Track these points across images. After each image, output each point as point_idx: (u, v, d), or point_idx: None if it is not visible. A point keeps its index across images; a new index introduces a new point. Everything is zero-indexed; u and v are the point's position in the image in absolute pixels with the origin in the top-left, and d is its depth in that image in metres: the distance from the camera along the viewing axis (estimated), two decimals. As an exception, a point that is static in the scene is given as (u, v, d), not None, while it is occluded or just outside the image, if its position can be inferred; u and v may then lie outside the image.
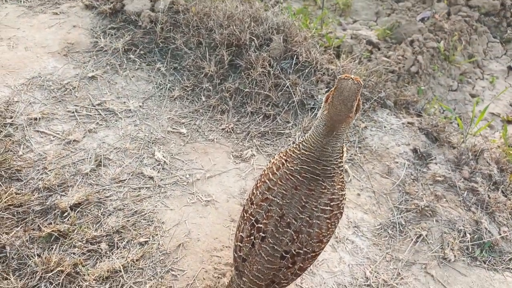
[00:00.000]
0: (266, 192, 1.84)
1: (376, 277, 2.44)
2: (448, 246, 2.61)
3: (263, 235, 1.80)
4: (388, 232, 2.69)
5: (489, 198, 2.93)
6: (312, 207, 1.79)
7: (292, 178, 1.82)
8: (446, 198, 2.88)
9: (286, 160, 1.87)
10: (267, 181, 1.87)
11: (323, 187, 1.81)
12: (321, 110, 1.79)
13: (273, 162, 1.94)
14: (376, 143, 3.17)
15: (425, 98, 4.62)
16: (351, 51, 4.77)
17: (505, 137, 4.05)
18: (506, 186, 3.12)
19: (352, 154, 3.08)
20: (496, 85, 5.58)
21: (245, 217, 1.88)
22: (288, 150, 1.91)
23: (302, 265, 1.85)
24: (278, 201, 1.80)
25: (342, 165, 1.88)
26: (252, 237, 1.82)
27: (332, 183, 1.83)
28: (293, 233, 1.78)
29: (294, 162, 1.83)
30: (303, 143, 1.84)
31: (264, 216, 1.80)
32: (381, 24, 6.14)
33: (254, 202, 1.86)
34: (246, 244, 1.83)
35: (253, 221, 1.83)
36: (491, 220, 2.84)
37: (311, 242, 1.80)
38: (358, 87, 1.69)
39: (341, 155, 1.86)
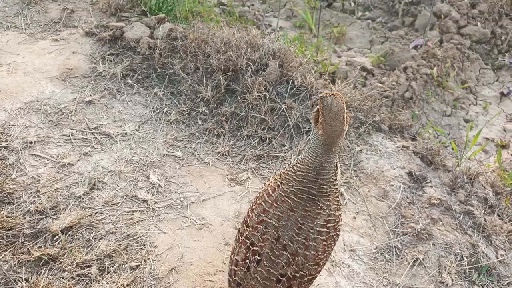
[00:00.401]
0: (261, 214, 1.82)
1: (373, 302, 2.39)
2: (445, 270, 2.57)
3: (259, 258, 1.77)
4: (385, 256, 2.65)
5: (485, 221, 2.91)
6: (308, 228, 1.77)
7: (288, 199, 1.81)
8: (442, 221, 2.86)
9: (281, 182, 1.87)
10: (262, 203, 1.86)
11: (319, 207, 1.80)
12: (313, 131, 1.80)
13: (268, 184, 1.93)
14: (371, 166, 3.17)
15: (419, 123, 4.66)
16: (346, 77, 4.84)
17: (500, 161, 4.06)
18: (502, 210, 3.10)
19: (347, 177, 3.08)
20: (489, 110, 5.64)
21: (240, 240, 1.86)
22: (282, 173, 1.91)
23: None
24: (274, 223, 1.78)
25: (337, 183, 1.88)
26: (247, 261, 1.79)
27: (328, 203, 1.82)
28: (289, 255, 1.75)
29: (290, 184, 1.83)
30: (298, 164, 1.85)
31: (260, 238, 1.78)
32: (375, 52, 6.27)
33: (249, 225, 1.84)
34: (241, 267, 1.80)
35: (248, 244, 1.80)
36: (487, 243, 2.81)
37: (307, 265, 1.77)
38: (342, 100, 1.73)
39: (336, 171, 1.87)
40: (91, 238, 2.42)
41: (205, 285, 2.30)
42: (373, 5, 7.53)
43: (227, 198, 2.82)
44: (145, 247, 2.42)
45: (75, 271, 2.21)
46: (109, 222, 2.53)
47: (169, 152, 3.09)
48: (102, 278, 2.21)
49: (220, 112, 3.34)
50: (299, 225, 1.77)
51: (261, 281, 1.76)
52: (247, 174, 2.97)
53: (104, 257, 2.32)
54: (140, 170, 2.91)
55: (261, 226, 1.80)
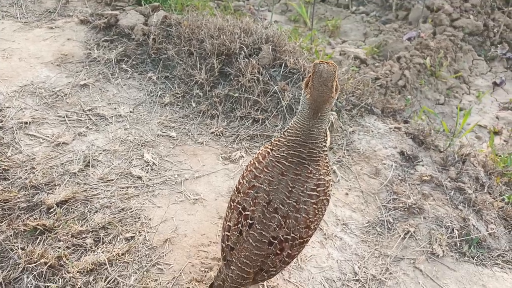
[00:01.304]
0: (252, 180, 1.86)
1: (364, 272, 2.42)
2: (436, 242, 2.61)
3: (251, 222, 1.81)
4: (376, 230, 2.69)
5: (476, 197, 2.95)
6: (299, 192, 1.81)
7: (279, 164, 1.85)
8: (433, 197, 2.90)
9: (271, 149, 1.91)
10: (253, 169, 1.90)
11: (309, 171, 1.83)
12: (303, 95, 1.84)
13: (259, 152, 1.97)
14: (363, 146, 3.21)
15: (412, 109, 4.71)
16: (340, 65, 4.90)
17: (492, 145, 4.12)
18: (493, 188, 3.14)
19: (340, 156, 3.11)
20: (482, 99, 5.71)
21: (232, 207, 1.89)
22: (273, 141, 1.95)
23: (290, 251, 1.84)
24: (265, 187, 1.82)
25: (327, 149, 1.92)
26: (239, 225, 1.83)
27: (318, 167, 1.86)
28: (280, 218, 1.79)
29: (280, 149, 1.87)
30: (288, 130, 1.89)
31: (251, 203, 1.82)
32: (369, 44, 6.33)
33: (240, 191, 1.88)
34: (234, 232, 1.84)
35: (240, 209, 1.84)
36: (478, 218, 2.85)
37: (298, 227, 1.81)
38: (334, 68, 1.77)
39: (325, 138, 1.91)
40: (86, 211, 2.44)
41: (199, 255, 2.32)
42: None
43: (221, 175, 2.85)
44: (140, 220, 2.45)
45: (70, 241, 2.23)
46: (104, 197, 2.56)
47: (163, 132, 3.12)
48: (97, 248, 2.23)
49: (214, 94, 3.38)
50: (290, 189, 1.82)
51: (254, 243, 1.80)
52: (240, 152, 3.00)
53: (99, 228, 2.34)
54: (134, 149, 2.94)
55: (252, 191, 1.84)
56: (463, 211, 2.83)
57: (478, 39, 6.62)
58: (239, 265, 1.83)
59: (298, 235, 1.82)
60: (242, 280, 1.84)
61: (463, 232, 2.69)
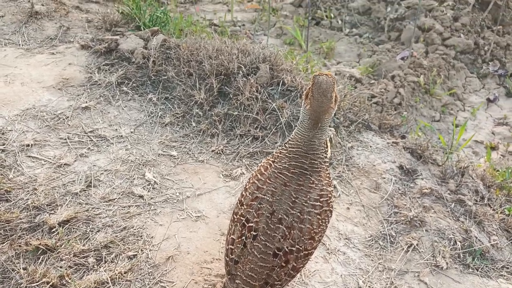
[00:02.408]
0: (255, 191, 1.86)
1: (369, 286, 2.40)
2: (439, 254, 2.60)
3: (255, 233, 1.80)
4: (379, 243, 2.68)
5: (477, 209, 2.96)
6: (302, 202, 1.82)
7: (281, 175, 1.86)
8: (434, 209, 2.91)
9: (273, 161, 1.94)
10: (256, 181, 1.91)
11: (311, 182, 1.85)
12: (303, 106, 1.89)
13: (261, 165, 2.00)
14: (363, 161, 3.24)
15: (409, 125, 4.77)
16: (336, 83, 4.98)
17: (490, 159, 4.16)
18: (493, 201, 3.16)
19: (340, 171, 3.14)
20: (477, 115, 5.79)
21: (235, 219, 1.89)
22: (274, 153, 1.98)
23: (295, 264, 1.83)
24: (268, 198, 1.83)
25: (327, 160, 1.95)
26: (243, 237, 1.82)
27: (320, 178, 1.88)
28: (285, 229, 1.79)
29: (282, 161, 1.89)
30: (289, 141, 1.92)
31: (255, 214, 1.82)
32: (363, 64, 6.46)
33: (244, 203, 1.88)
34: (238, 245, 1.83)
35: (243, 221, 1.84)
36: (480, 229, 2.85)
37: (303, 238, 1.81)
38: (333, 80, 1.82)
39: (326, 149, 1.94)
40: (88, 230, 2.43)
41: (202, 272, 2.31)
42: (360, 22, 7.81)
43: (222, 192, 2.86)
44: (142, 238, 2.44)
45: (73, 261, 2.22)
46: (106, 216, 2.56)
47: (164, 152, 3.15)
48: (100, 267, 2.22)
49: (213, 113, 3.42)
50: (293, 199, 1.82)
51: (258, 255, 1.79)
52: (241, 170, 3.02)
53: (101, 247, 2.33)
54: (136, 169, 2.96)
55: (255, 203, 1.84)
56: (464, 223, 2.84)
57: (470, 57, 6.77)
58: (244, 278, 1.82)
59: (303, 246, 1.82)
60: None
61: (466, 244, 2.69)
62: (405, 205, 2.92)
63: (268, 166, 1.94)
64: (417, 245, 2.66)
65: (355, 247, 2.64)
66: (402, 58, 6.40)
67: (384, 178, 3.12)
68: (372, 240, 2.69)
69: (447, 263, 2.56)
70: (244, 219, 1.84)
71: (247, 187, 1.94)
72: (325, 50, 6.96)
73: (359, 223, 2.80)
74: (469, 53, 6.79)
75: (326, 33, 7.53)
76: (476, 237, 2.74)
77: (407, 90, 5.54)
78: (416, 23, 6.47)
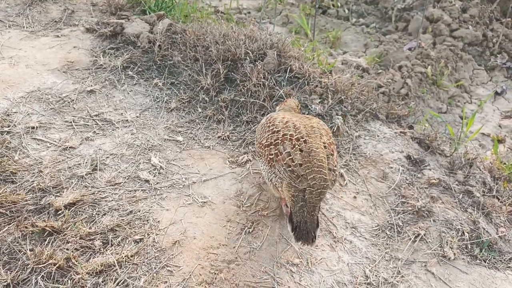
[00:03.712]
0: (283, 119, 2.42)
1: (376, 275, 2.39)
2: (447, 244, 2.58)
3: (303, 139, 2.28)
4: (386, 233, 2.66)
5: (485, 201, 2.94)
6: (312, 120, 2.48)
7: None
8: (442, 200, 2.89)
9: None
10: (276, 116, 2.49)
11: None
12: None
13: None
14: (370, 150, 3.21)
15: (416, 116, 4.73)
16: (342, 73, 4.93)
17: (497, 152, 4.11)
18: (501, 193, 3.13)
19: (347, 160, 3.11)
20: (484, 108, 5.74)
21: (279, 141, 2.30)
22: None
23: (337, 153, 2.42)
24: (294, 119, 2.41)
25: None
26: (297, 146, 2.25)
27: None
28: (317, 129, 2.37)
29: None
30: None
31: (294, 129, 2.32)
32: (370, 54, 6.39)
33: (279, 128, 2.36)
34: (295, 152, 2.24)
35: (288, 136, 2.29)
36: (488, 221, 2.83)
37: (326, 135, 2.38)
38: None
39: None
40: (94, 214, 2.42)
41: (209, 258, 2.29)
42: (367, 11, 7.71)
43: (228, 178, 2.83)
44: (148, 222, 2.42)
45: (79, 243, 2.20)
46: (112, 200, 2.54)
47: (170, 137, 3.12)
48: (106, 250, 2.20)
49: (220, 99, 3.39)
50: (306, 118, 2.49)
51: (316, 150, 2.25)
52: (247, 156, 2.99)
53: (107, 231, 2.31)
54: (141, 153, 2.93)
55: (290, 123, 2.37)
56: (472, 214, 2.81)
57: (478, 49, 6.69)
58: (316, 169, 2.19)
59: (331, 140, 2.40)
60: (321, 178, 2.18)
61: (473, 235, 2.67)
62: (412, 195, 2.90)
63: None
64: (424, 235, 2.64)
65: (362, 236, 2.62)
66: (410, 49, 6.32)
67: (392, 167, 3.10)
68: (379, 230, 2.67)
69: (454, 254, 2.54)
70: (288, 135, 2.30)
71: (269, 123, 2.45)
72: (331, 40, 6.88)
73: (366, 212, 2.78)
74: (477, 45, 6.71)
75: (332, 22, 7.43)
76: (484, 229, 2.72)
77: (414, 81, 5.48)
78: (424, 13, 6.38)
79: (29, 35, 4.13)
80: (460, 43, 6.49)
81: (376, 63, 6.06)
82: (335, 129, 3.24)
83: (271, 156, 2.31)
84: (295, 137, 2.27)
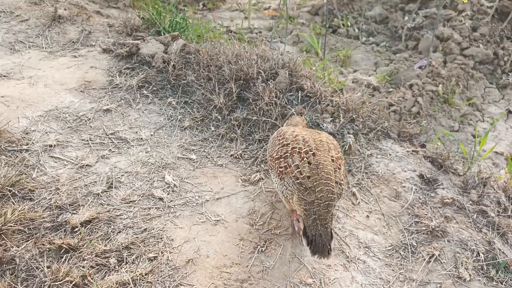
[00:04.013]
0: (292, 133, 2.50)
1: (390, 296, 2.37)
2: (462, 265, 2.55)
3: (312, 152, 2.34)
4: (400, 253, 2.64)
5: (500, 221, 2.91)
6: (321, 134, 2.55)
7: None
8: (456, 220, 2.86)
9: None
10: (287, 130, 2.57)
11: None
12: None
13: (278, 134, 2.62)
14: (382, 169, 3.21)
15: (428, 135, 4.72)
16: (353, 91, 4.96)
17: (510, 171, 4.08)
18: (516, 213, 3.10)
19: (359, 178, 3.11)
20: (497, 127, 5.70)
21: (288, 153, 2.37)
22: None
23: (343, 168, 2.46)
24: (303, 133, 2.49)
25: None
26: (305, 159, 2.32)
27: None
28: (326, 144, 2.43)
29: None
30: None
31: (303, 142, 2.39)
32: (380, 73, 6.43)
33: (289, 141, 2.43)
34: (304, 165, 2.30)
35: (297, 149, 2.36)
36: (503, 241, 2.79)
37: (334, 150, 2.45)
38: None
39: None
40: (109, 231, 2.45)
41: (222, 276, 2.30)
42: (377, 31, 7.79)
43: (241, 197, 2.86)
44: (162, 240, 2.45)
45: (95, 261, 2.23)
46: (127, 218, 2.57)
47: (184, 155, 3.17)
48: (121, 268, 2.23)
49: (232, 118, 3.44)
50: (316, 133, 2.56)
51: (324, 162, 2.31)
52: (260, 175, 3.02)
53: (122, 248, 2.34)
54: (155, 171, 2.98)
55: (299, 136, 2.45)
56: (487, 235, 2.78)
57: (489, 67, 6.69)
58: (324, 181, 2.25)
59: (338, 155, 2.45)
60: (328, 190, 2.24)
61: (489, 256, 2.64)
62: (426, 214, 2.88)
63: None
64: (439, 255, 2.61)
65: (375, 256, 2.60)
66: (420, 67, 6.35)
67: (404, 186, 3.09)
68: (393, 250, 2.65)
69: (470, 275, 2.51)
70: (297, 148, 2.37)
71: (279, 137, 2.53)
72: (342, 58, 6.95)
73: (379, 231, 2.77)
74: (488, 63, 6.71)
75: (342, 41, 7.52)
76: (500, 249, 2.68)
77: (426, 99, 5.49)
78: (434, 32, 6.42)
79: (48, 55, 4.26)
80: (471, 61, 6.50)
81: (386, 81, 6.10)
82: (346, 147, 3.26)
83: (280, 169, 2.39)
84: (304, 150, 2.34)
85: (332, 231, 2.25)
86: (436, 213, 2.91)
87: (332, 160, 2.35)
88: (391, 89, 5.74)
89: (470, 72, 6.34)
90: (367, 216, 2.86)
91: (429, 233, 2.76)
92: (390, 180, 3.14)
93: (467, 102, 5.86)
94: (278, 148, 2.46)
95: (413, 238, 2.74)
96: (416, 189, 3.08)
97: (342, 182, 2.34)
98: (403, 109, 5.09)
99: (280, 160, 2.40)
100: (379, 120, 3.61)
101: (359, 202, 2.94)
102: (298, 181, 2.27)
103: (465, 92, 6.09)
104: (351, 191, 3.01)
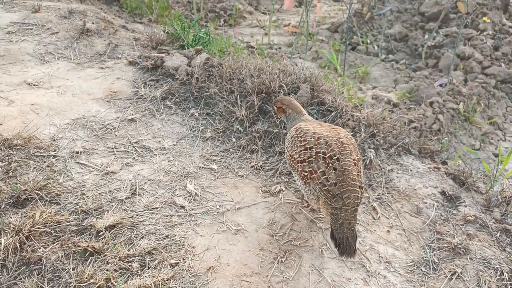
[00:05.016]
0: (314, 134, 2.50)
1: (411, 312, 2.33)
2: (485, 284, 2.50)
3: (336, 157, 2.37)
4: (421, 269, 2.61)
5: (525, 240, 2.85)
6: (339, 134, 2.55)
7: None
8: (478, 238, 2.82)
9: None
10: (307, 131, 2.55)
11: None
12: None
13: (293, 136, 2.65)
14: (403, 184, 3.20)
15: (449, 152, 4.67)
16: (373, 108, 4.97)
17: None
18: (541, 233, 3.03)
19: (379, 193, 3.10)
20: (519, 146, 5.61)
21: (311, 159, 2.40)
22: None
23: (363, 171, 2.55)
24: (324, 133, 2.49)
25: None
26: (330, 165, 2.35)
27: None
28: (347, 146, 2.45)
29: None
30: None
31: (326, 146, 2.41)
32: (400, 90, 6.43)
33: (311, 144, 2.44)
34: (329, 172, 2.34)
35: (321, 155, 2.38)
36: (529, 261, 2.73)
37: (354, 151, 2.48)
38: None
39: None
40: (132, 236, 2.50)
41: (242, 285, 2.31)
42: (396, 48, 7.82)
43: (261, 207, 2.88)
44: (184, 247, 2.48)
45: (118, 264, 2.27)
46: (149, 224, 2.62)
47: (205, 165, 3.22)
48: (143, 273, 2.26)
49: (253, 130, 3.49)
50: (334, 131, 2.58)
51: (349, 168, 2.36)
52: (280, 186, 3.04)
53: (145, 253, 2.38)
54: (177, 180, 3.03)
55: (321, 140, 2.45)
56: (511, 254, 2.72)
57: (511, 87, 6.62)
58: (350, 188, 2.30)
59: (358, 157, 2.48)
60: (355, 196, 2.31)
61: (513, 275, 2.58)
62: (448, 231, 2.84)
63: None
64: (461, 273, 2.57)
65: (396, 272, 2.57)
66: (441, 85, 6.33)
67: (426, 203, 3.06)
68: (414, 266, 2.62)
69: (493, 294, 2.46)
70: (321, 153, 2.39)
71: (300, 138, 2.53)
72: (361, 75, 6.99)
73: (400, 247, 2.74)
74: (510, 82, 6.65)
75: (362, 58, 7.57)
76: (525, 269, 2.62)
77: (446, 117, 5.45)
78: (455, 51, 6.41)
79: (75, 66, 4.42)
80: (492, 80, 6.45)
81: (406, 98, 6.09)
82: (367, 162, 3.26)
83: (305, 173, 2.42)
84: (328, 155, 2.37)
85: (356, 231, 2.33)
86: (458, 231, 2.87)
87: (355, 164, 2.40)
88: (411, 106, 5.73)
89: (491, 91, 6.29)
90: (388, 231, 2.84)
91: (451, 250, 2.72)
92: (411, 195, 3.12)
93: (488, 121, 5.80)
94: (300, 151, 2.48)
95: (434, 254, 2.70)
96: (438, 206, 3.05)
97: (363, 185, 2.41)
98: (424, 126, 5.07)
99: (304, 164, 2.43)
100: (400, 136, 3.60)
101: (379, 217, 2.93)
102: (325, 188, 2.31)
103: (486, 111, 6.03)
104: (372, 205, 3.00)
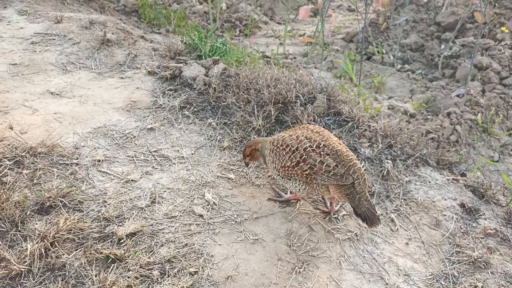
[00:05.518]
0: (291, 137, 2.64)
1: (431, 326, 2.31)
2: (507, 299, 2.46)
3: (322, 144, 2.55)
4: (441, 283, 2.58)
5: (547, 255, 2.80)
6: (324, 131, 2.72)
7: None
8: (499, 251, 2.78)
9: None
10: (297, 131, 2.71)
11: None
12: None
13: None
14: (421, 196, 3.18)
15: (468, 164, 4.62)
16: (389, 118, 4.96)
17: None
18: None
19: (397, 205, 3.09)
20: (540, 158, 5.51)
21: (307, 152, 2.54)
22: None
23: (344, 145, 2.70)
24: (298, 132, 2.66)
25: None
26: (322, 153, 2.52)
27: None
28: (322, 132, 2.66)
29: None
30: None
31: (307, 140, 2.57)
32: (416, 100, 6.39)
33: (296, 148, 2.57)
34: (326, 158, 2.51)
35: (309, 148, 2.53)
36: (552, 277, 2.68)
37: (331, 134, 2.70)
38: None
39: None
40: (152, 244, 2.54)
41: (260, 295, 2.32)
42: (412, 58, 7.79)
43: (279, 217, 2.89)
44: (202, 256, 2.50)
45: (139, 272, 2.31)
46: (169, 232, 2.66)
47: (223, 174, 3.25)
48: (164, 280, 2.30)
49: (271, 140, 3.51)
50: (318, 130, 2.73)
51: (337, 147, 2.56)
52: (298, 196, 3.05)
53: (164, 261, 2.42)
54: (196, 189, 3.07)
55: (314, 135, 2.60)
56: (534, 268, 2.68)
57: (530, 98, 6.52)
58: (353, 163, 2.51)
59: (336, 137, 2.72)
60: (358, 168, 2.52)
61: (536, 291, 2.54)
62: (468, 244, 2.81)
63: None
64: (482, 287, 2.53)
65: (415, 285, 2.55)
66: (458, 96, 6.27)
67: (445, 215, 3.04)
68: (434, 279, 2.60)
69: (516, 310, 2.41)
70: (308, 147, 2.55)
71: (281, 146, 2.66)
72: (376, 85, 6.97)
73: (419, 260, 2.72)
74: (529, 93, 6.54)
75: (377, 68, 7.56)
76: (548, 285, 2.57)
77: (464, 128, 5.40)
78: (472, 61, 6.36)
79: (96, 76, 4.53)
80: (511, 91, 6.37)
81: (423, 109, 6.05)
82: (385, 173, 3.25)
83: (306, 172, 2.54)
84: (315, 145, 2.53)
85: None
86: (479, 244, 2.84)
87: (339, 143, 2.60)
88: (428, 117, 5.69)
89: (510, 101, 6.21)
90: (407, 243, 2.82)
91: (471, 263, 2.69)
92: (430, 207, 3.10)
93: (508, 132, 5.72)
94: (289, 157, 2.59)
95: (454, 268, 2.67)
96: (457, 218, 3.02)
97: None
98: (441, 137, 5.03)
99: (300, 165, 2.55)
100: (418, 146, 3.59)
101: (397, 229, 2.91)
102: (331, 173, 2.48)
103: (505, 122, 5.95)
104: (390, 217, 2.99)
